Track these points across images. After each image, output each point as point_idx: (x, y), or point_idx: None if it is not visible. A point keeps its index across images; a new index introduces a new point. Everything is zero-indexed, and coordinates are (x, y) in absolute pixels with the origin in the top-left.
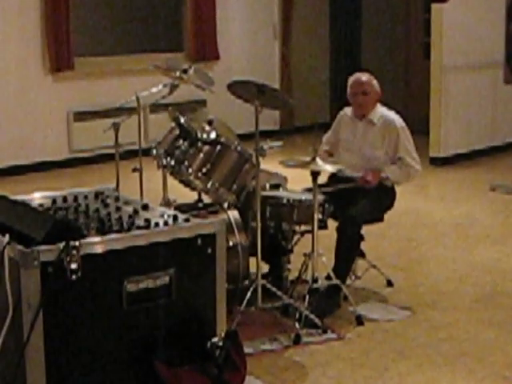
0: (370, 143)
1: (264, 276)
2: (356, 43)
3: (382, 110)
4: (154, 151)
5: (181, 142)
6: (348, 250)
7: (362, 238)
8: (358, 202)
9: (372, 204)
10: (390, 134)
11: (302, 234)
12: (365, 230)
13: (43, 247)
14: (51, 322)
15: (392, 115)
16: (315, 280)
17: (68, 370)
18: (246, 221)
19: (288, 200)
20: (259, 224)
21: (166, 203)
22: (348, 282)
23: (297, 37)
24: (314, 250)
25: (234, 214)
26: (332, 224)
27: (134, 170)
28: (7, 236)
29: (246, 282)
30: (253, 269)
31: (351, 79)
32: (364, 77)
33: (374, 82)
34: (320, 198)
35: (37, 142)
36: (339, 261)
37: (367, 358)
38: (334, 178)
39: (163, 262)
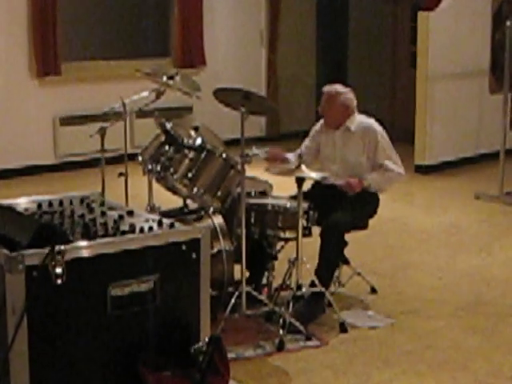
0: (352, 150)
1: (248, 282)
2: (343, 51)
3: (359, 118)
4: (140, 157)
5: (166, 148)
6: (331, 256)
7: (345, 243)
8: (341, 209)
9: (355, 210)
10: (369, 139)
11: (287, 240)
12: (349, 236)
13: (28, 251)
14: (36, 327)
15: (370, 121)
16: (299, 287)
17: (52, 375)
18: (231, 227)
19: (273, 206)
20: (244, 230)
21: (151, 209)
22: (332, 289)
23: (283, 43)
24: (299, 257)
25: (218, 220)
26: (316, 231)
27: (120, 175)
28: None
29: (231, 289)
30: (237, 275)
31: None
32: (335, 89)
33: (344, 96)
34: (305, 205)
35: (23, 147)
36: (322, 266)
37: (351, 365)
38: (318, 185)
39: (148, 266)
